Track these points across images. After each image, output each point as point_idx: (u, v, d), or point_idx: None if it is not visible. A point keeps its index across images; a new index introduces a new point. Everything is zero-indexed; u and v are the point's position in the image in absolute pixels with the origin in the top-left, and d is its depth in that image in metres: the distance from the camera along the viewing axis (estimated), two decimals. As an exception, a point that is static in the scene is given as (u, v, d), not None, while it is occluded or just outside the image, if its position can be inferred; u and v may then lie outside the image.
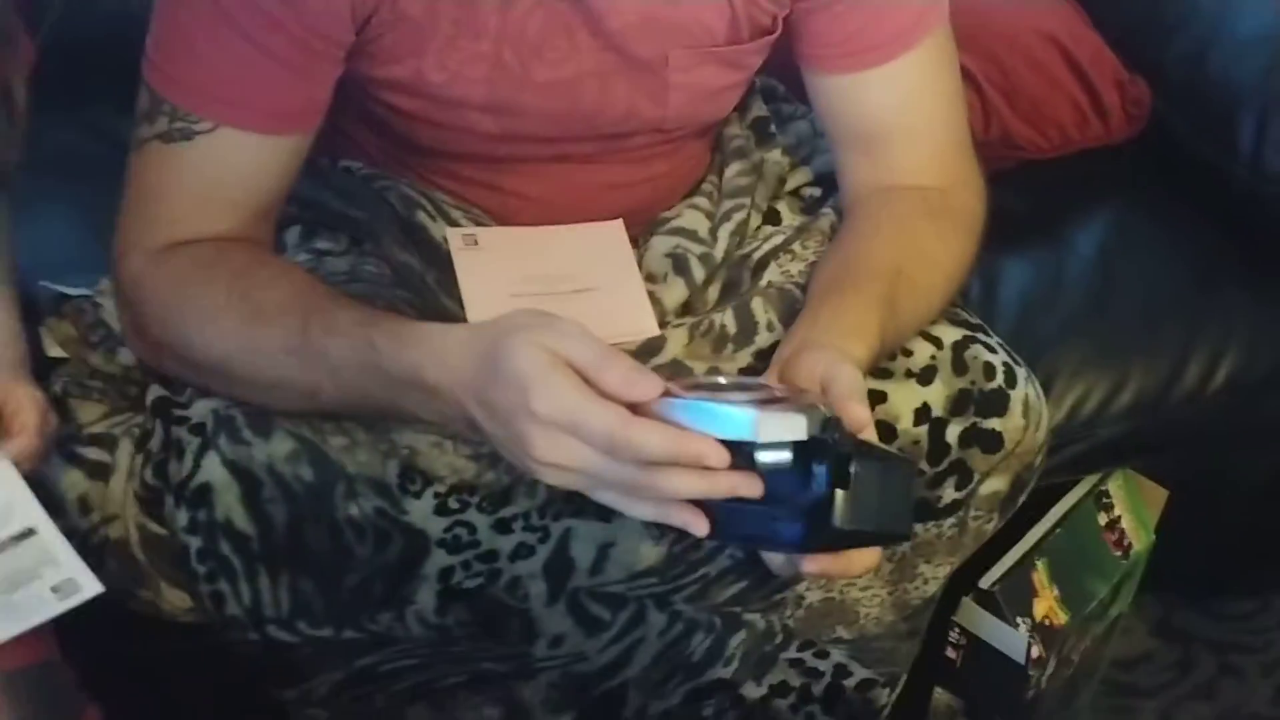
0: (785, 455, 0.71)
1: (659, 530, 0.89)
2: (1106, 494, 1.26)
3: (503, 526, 0.86)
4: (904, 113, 0.97)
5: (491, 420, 0.73)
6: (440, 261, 0.97)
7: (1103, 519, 1.25)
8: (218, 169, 0.88)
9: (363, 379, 0.79)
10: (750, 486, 0.71)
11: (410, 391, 0.77)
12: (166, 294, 0.87)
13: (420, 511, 0.85)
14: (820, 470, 0.71)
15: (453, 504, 0.86)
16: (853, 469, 0.71)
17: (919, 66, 0.96)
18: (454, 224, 0.99)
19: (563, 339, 0.71)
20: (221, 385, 0.86)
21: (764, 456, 0.71)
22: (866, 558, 0.78)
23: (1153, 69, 1.35)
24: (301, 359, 0.81)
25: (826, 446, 0.71)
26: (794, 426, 0.71)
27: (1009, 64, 1.33)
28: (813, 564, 0.76)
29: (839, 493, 0.71)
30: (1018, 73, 1.33)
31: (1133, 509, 1.28)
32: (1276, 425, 1.27)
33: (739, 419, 0.71)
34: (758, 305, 0.94)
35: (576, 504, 0.87)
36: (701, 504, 0.73)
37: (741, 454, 0.71)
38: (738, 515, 0.73)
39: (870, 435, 0.78)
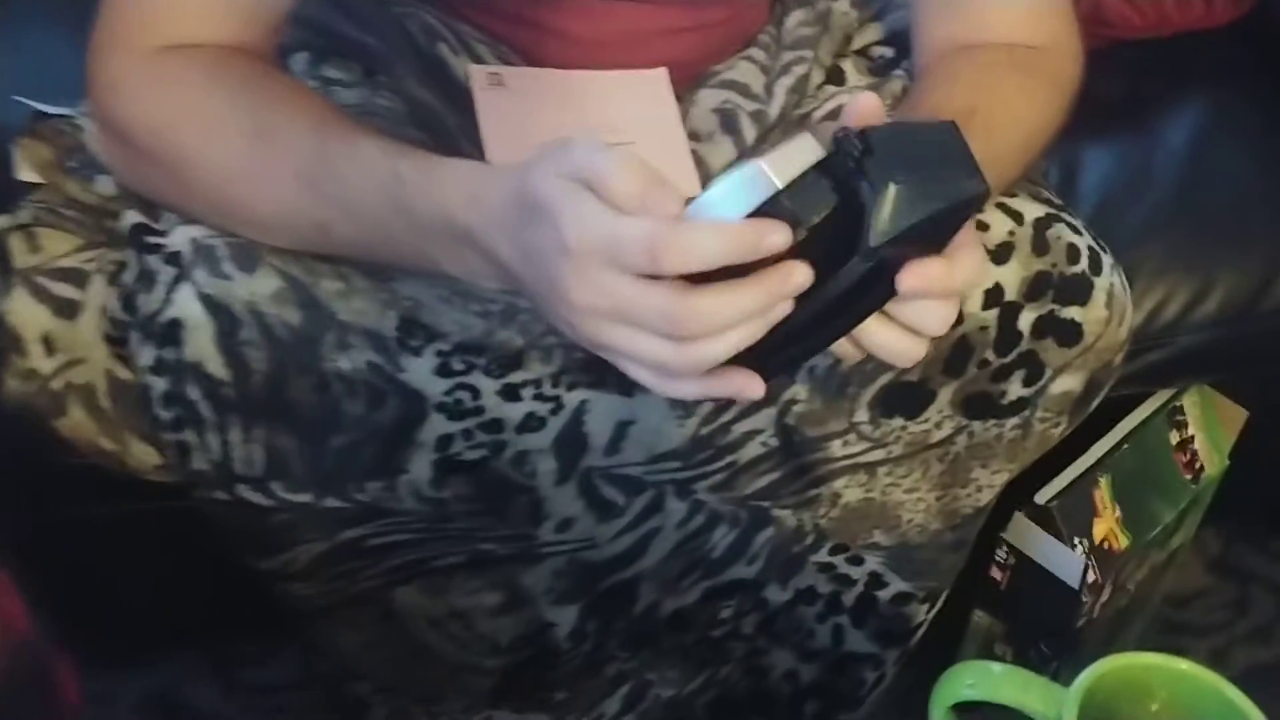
0: (822, 186, 0.61)
1: (685, 409, 0.82)
2: (1181, 410, 1.20)
3: (511, 393, 0.80)
4: None
5: (526, 264, 0.67)
6: (461, 101, 0.89)
7: (1175, 438, 1.19)
8: None
9: (384, 215, 0.73)
10: (811, 264, 0.62)
11: (436, 234, 0.71)
12: (158, 97, 0.79)
13: (419, 370, 0.79)
14: (860, 180, 0.61)
15: (456, 364, 0.79)
16: (883, 150, 0.61)
17: None
18: (479, 60, 0.91)
19: (583, 160, 0.64)
20: (214, 212, 0.79)
21: (797, 200, 0.61)
22: (967, 259, 0.67)
23: None
24: (314, 185, 0.75)
25: (849, 154, 0.61)
26: (804, 149, 0.61)
27: None
28: (914, 278, 0.65)
29: (892, 187, 0.61)
30: None
31: (1208, 429, 1.22)
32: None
33: (746, 178, 0.61)
34: None
35: (595, 373, 0.80)
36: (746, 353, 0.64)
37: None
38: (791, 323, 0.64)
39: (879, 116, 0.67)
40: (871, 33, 1.00)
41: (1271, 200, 1.16)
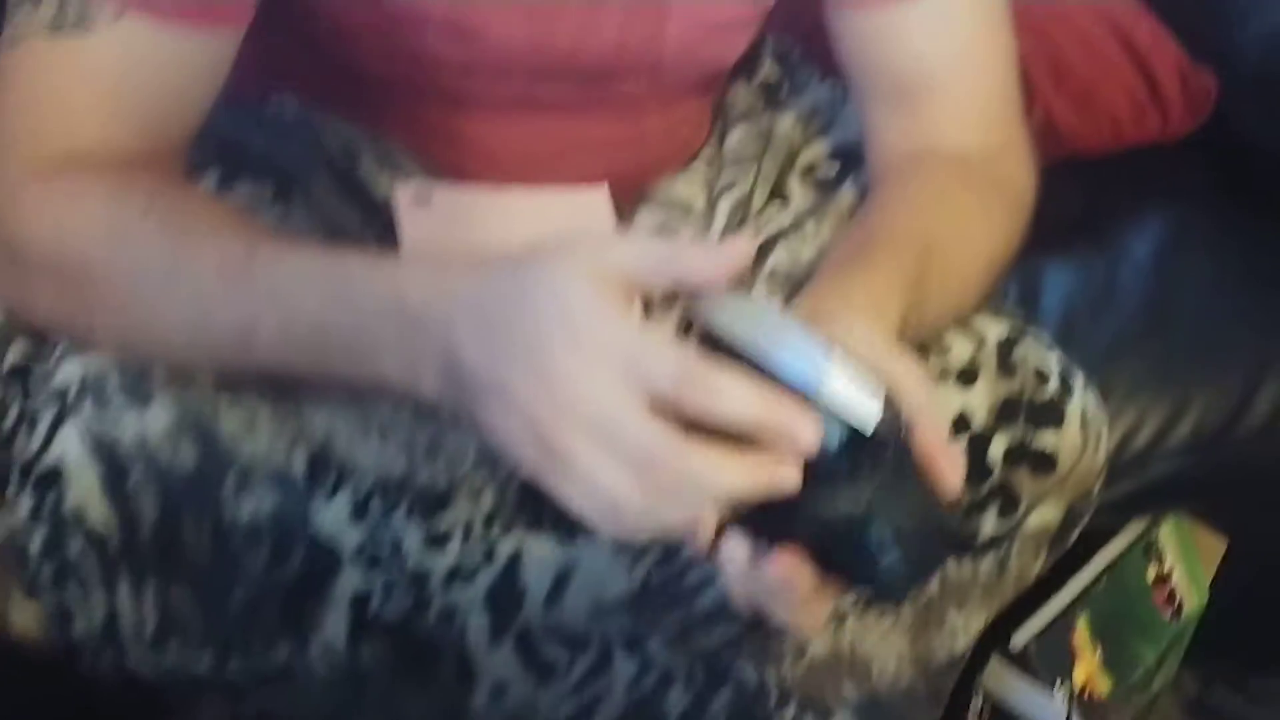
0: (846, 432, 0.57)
1: (633, 553, 0.76)
2: (1157, 542, 1.17)
3: (437, 540, 0.74)
4: (948, 59, 0.86)
5: (498, 355, 0.60)
6: (384, 220, 0.86)
7: (1152, 572, 1.16)
8: (122, 69, 0.75)
9: (321, 309, 0.67)
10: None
11: (381, 323, 0.65)
12: (58, 207, 0.73)
13: (332, 515, 0.72)
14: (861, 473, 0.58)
15: (374, 507, 0.73)
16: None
17: (969, 4, 0.86)
18: (403, 178, 0.88)
19: (615, 252, 0.59)
20: (117, 330, 0.72)
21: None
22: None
23: (1219, 58, 1.26)
24: (240, 285, 0.68)
25: (881, 447, 0.57)
26: (868, 400, 0.57)
27: (1058, 41, 1.23)
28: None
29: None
30: (1067, 53, 1.23)
31: (1186, 562, 1.19)
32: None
33: (811, 356, 0.57)
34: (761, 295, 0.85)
35: (531, 513, 0.75)
36: None
37: None
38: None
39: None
40: (816, 149, 0.98)
41: (1242, 316, 1.16)
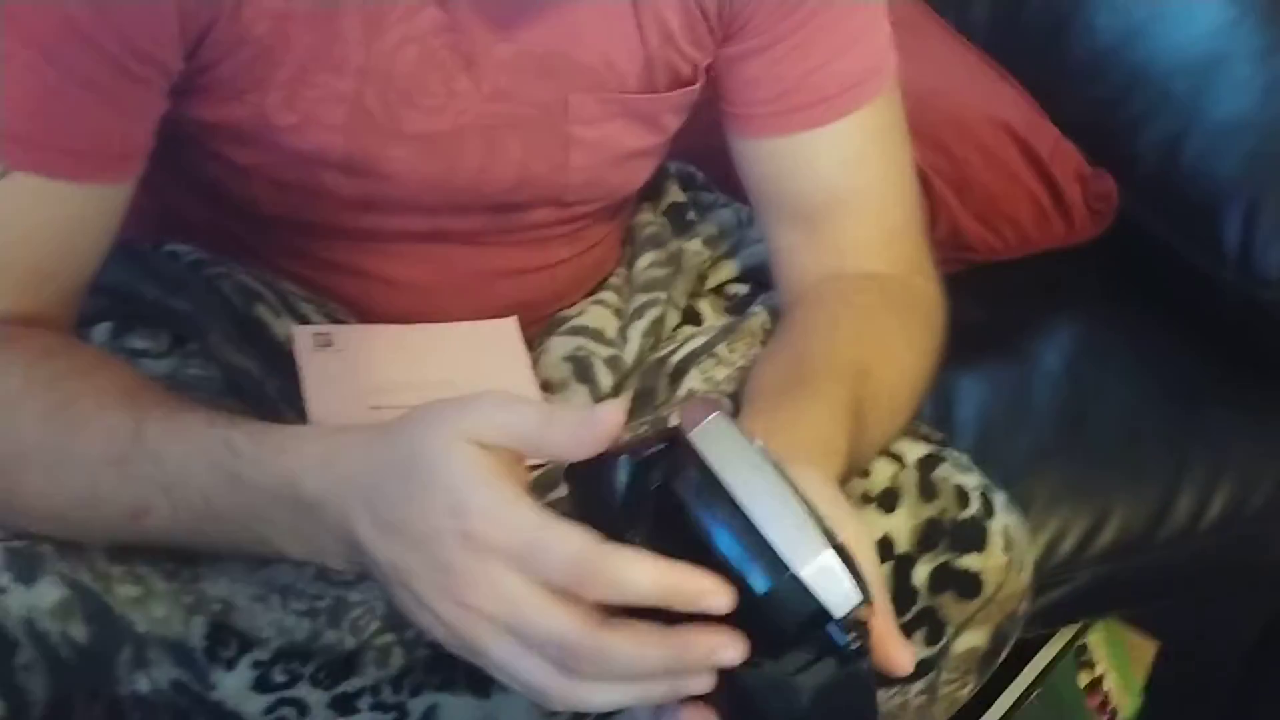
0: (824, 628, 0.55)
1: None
2: (1087, 649, 1.17)
3: (344, 705, 0.71)
4: (854, 182, 0.86)
5: (397, 544, 0.58)
6: (284, 366, 0.83)
7: (1084, 679, 1.16)
8: (9, 226, 0.73)
9: (212, 492, 0.64)
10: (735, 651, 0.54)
11: (276, 509, 0.63)
12: None
13: (234, 685, 0.69)
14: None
15: (278, 675, 0.70)
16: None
17: (871, 127, 0.86)
18: (303, 320, 0.85)
19: (491, 420, 0.57)
20: (9, 501, 0.69)
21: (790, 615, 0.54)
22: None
23: (1119, 162, 1.27)
24: (128, 469, 0.66)
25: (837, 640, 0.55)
26: (849, 584, 0.54)
27: (959, 154, 1.23)
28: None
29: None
30: (969, 164, 1.23)
31: (1118, 667, 1.20)
32: (1278, 562, 1.17)
33: (805, 535, 0.54)
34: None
35: (443, 671, 0.72)
36: None
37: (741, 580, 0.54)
38: None
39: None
40: (726, 270, 0.98)
41: (1160, 421, 1.15)
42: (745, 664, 0.54)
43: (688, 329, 0.93)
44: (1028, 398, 1.14)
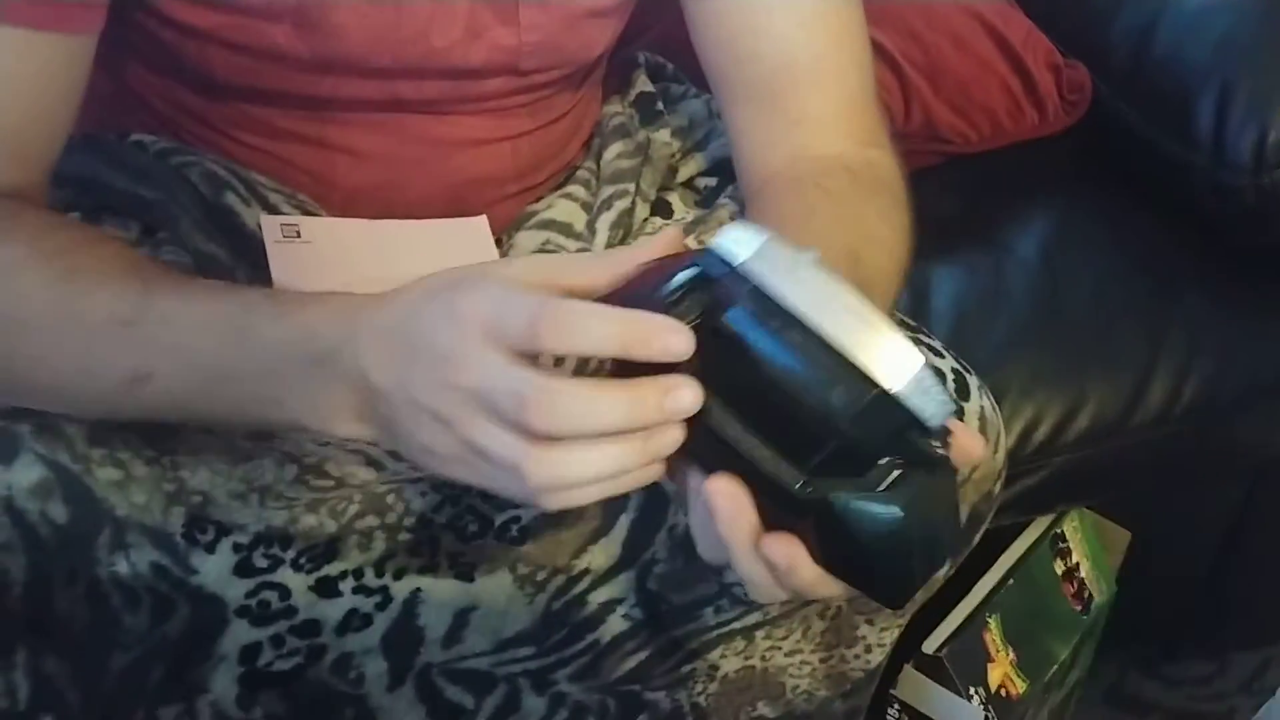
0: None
1: (534, 584, 0.74)
2: (1063, 537, 1.16)
3: (327, 588, 0.70)
4: (811, 44, 0.84)
5: (400, 369, 0.59)
6: (254, 254, 0.81)
7: (1060, 567, 1.15)
8: None
9: (222, 351, 0.64)
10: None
11: (291, 364, 0.63)
12: None
13: (215, 569, 0.68)
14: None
15: (259, 560, 0.69)
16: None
17: None
18: (272, 210, 0.83)
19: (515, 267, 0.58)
20: (2, 370, 0.68)
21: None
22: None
23: (1092, 52, 1.25)
24: (134, 331, 0.65)
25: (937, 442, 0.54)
26: (943, 394, 0.54)
27: (930, 41, 1.21)
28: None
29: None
30: (941, 52, 1.21)
31: (1092, 555, 1.19)
32: (1250, 450, 1.18)
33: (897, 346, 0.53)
34: None
35: (426, 555, 0.72)
36: None
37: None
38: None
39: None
40: (695, 163, 0.97)
41: (1134, 308, 1.15)
42: (831, 486, 0.54)
43: (657, 220, 0.92)
44: (1003, 287, 1.13)
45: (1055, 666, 1.11)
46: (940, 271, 1.12)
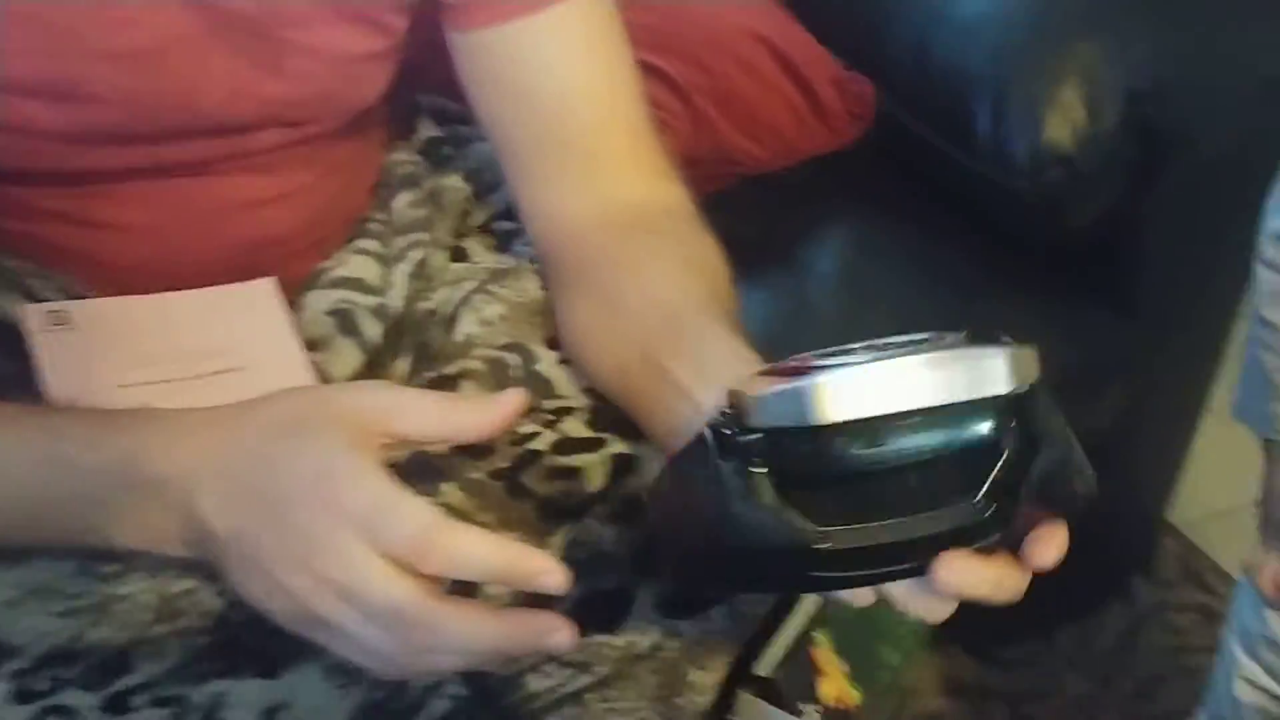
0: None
1: (347, 675, 0.70)
2: None
3: (118, 704, 0.66)
4: (586, 72, 0.82)
5: (246, 516, 0.59)
6: (16, 350, 0.77)
7: None
8: None
9: (35, 480, 0.63)
10: None
11: (111, 490, 0.62)
12: None
13: None
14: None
15: (40, 683, 0.65)
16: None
17: (592, 15, 0.82)
18: (33, 297, 0.79)
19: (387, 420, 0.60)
20: None
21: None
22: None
23: (872, 64, 1.27)
24: None
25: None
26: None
27: (715, 67, 1.22)
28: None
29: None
30: (726, 76, 1.22)
31: None
32: (1050, 439, 1.18)
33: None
34: (470, 391, 0.80)
35: (228, 658, 0.68)
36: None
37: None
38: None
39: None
40: (490, 207, 0.94)
41: (932, 317, 1.11)
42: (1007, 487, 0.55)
43: (458, 268, 0.89)
44: (807, 304, 1.15)
45: (889, 671, 1.11)
46: (746, 295, 1.12)
